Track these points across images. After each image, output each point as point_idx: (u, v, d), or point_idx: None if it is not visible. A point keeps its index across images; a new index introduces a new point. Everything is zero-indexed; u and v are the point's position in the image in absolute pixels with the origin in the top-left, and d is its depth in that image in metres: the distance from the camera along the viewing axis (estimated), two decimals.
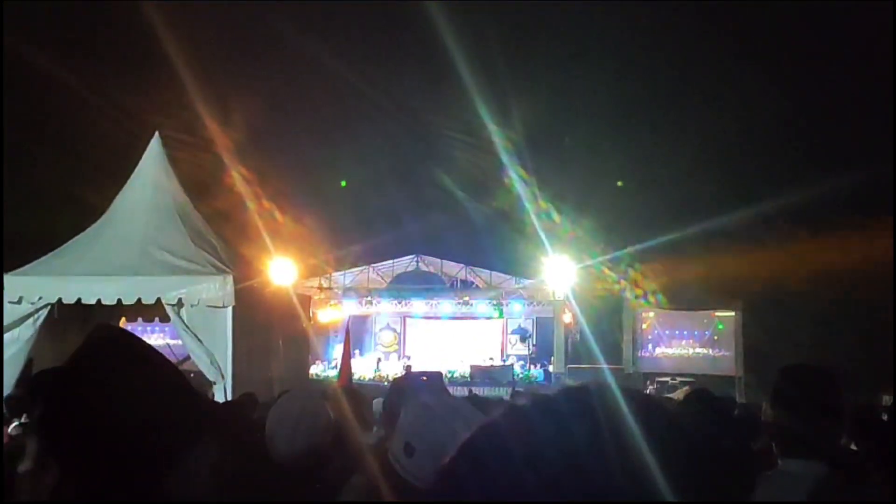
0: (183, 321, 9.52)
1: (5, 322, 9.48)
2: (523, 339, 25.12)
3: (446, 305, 24.12)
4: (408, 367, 21.31)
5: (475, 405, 2.71)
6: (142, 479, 1.36)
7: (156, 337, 22.89)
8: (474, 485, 0.90)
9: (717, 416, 3.31)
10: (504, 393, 16.78)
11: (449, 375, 20.82)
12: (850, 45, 17.50)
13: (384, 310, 25.03)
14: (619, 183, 22.70)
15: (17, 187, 18.84)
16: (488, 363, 22.73)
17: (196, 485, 1.48)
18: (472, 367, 21.77)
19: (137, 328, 21.55)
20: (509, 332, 25.31)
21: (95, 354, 1.42)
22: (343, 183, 23.27)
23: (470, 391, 13.84)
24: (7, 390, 7.41)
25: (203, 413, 1.55)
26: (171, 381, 1.47)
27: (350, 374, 10.30)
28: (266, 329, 10.56)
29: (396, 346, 25.59)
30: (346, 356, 11.29)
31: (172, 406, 1.42)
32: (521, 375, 21.86)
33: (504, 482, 0.88)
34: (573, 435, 0.88)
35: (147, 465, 1.37)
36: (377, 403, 5.34)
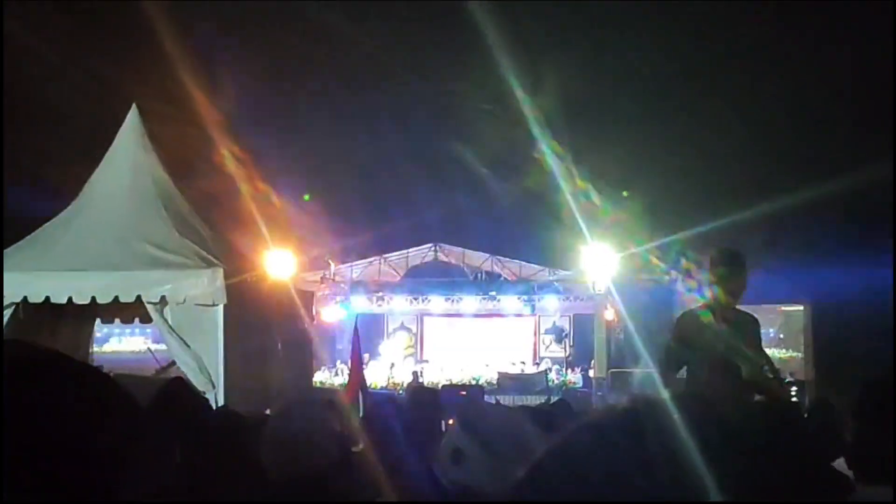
0: (167, 322, 9.57)
1: None
2: (559, 340, 25.12)
3: (469, 301, 24.14)
4: (415, 374, 21.38)
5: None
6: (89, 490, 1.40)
7: (136, 340, 23.09)
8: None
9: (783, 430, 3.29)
10: (537, 401, 16.74)
11: (473, 382, 20.88)
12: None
13: (398, 307, 25.10)
14: (625, 193, 22.52)
15: None
16: (518, 368, 22.72)
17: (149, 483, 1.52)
18: (499, 373, 21.77)
19: (115, 330, 21.76)
20: (542, 331, 25.30)
21: (8, 376, 1.45)
22: (306, 197, 23.23)
23: (497, 401, 13.82)
24: None
25: (145, 418, 1.59)
26: (96, 388, 1.49)
27: (359, 389, 10.09)
28: (262, 330, 10.59)
29: (412, 349, 25.63)
30: (356, 366, 11.15)
31: (103, 414, 1.45)
32: (556, 382, 21.84)
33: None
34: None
35: (90, 476, 1.40)
36: None
